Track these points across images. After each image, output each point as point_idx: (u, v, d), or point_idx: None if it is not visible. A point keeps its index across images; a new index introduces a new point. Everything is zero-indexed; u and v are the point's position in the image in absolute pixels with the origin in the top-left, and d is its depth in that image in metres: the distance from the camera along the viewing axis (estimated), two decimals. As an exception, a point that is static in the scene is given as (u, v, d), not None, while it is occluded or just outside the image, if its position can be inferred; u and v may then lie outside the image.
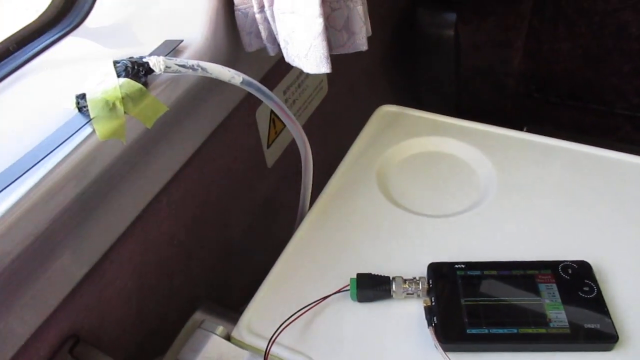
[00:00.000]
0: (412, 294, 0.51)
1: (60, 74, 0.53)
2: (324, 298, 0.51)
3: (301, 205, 0.66)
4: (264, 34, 0.58)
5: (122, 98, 0.44)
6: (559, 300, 0.48)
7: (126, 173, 0.52)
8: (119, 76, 0.45)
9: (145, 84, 0.46)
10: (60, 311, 0.49)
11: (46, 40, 0.56)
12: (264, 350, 0.47)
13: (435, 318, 0.48)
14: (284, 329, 0.48)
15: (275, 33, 0.57)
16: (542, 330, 0.46)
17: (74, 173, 0.43)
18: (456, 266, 0.52)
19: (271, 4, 0.55)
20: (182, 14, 0.57)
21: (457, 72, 1.18)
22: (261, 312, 0.51)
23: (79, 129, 0.44)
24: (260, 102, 0.73)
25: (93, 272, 0.52)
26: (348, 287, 0.51)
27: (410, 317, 0.50)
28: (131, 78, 0.45)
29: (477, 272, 0.51)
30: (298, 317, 0.49)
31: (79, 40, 0.58)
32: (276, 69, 0.73)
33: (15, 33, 0.55)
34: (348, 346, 0.48)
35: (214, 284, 0.75)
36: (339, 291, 0.51)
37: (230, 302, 0.76)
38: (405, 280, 0.51)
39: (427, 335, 0.47)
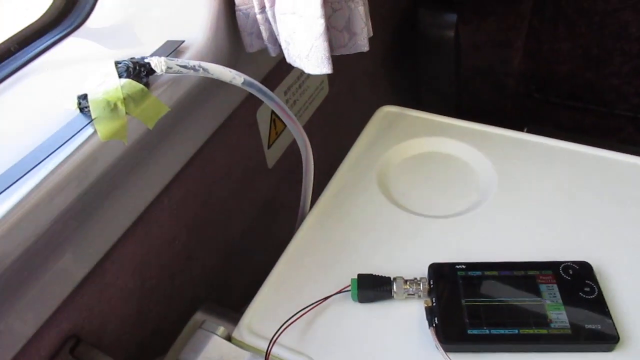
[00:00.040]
0: (413, 294, 0.51)
1: (62, 75, 0.53)
2: (325, 299, 0.51)
3: (302, 206, 0.66)
4: (265, 35, 0.58)
5: (124, 98, 0.44)
6: (560, 300, 0.48)
7: (127, 173, 0.52)
8: (120, 77, 0.45)
9: (146, 85, 0.46)
10: (61, 311, 0.49)
11: (47, 40, 0.56)
12: (265, 350, 0.47)
13: (436, 318, 0.48)
14: (284, 329, 0.48)
15: (276, 34, 0.57)
16: (543, 331, 0.46)
17: (75, 174, 0.43)
18: (457, 267, 0.52)
19: (272, 5, 0.55)
20: (183, 15, 0.57)
21: (458, 72, 1.18)
22: (262, 313, 0.51)
23: (81, 129, 0.44)
24: (261, 102, 0.74)
25: (94, 273, 0.52)
26: (349, 288, 0.51)
27: (411, 318, 0.50)
28: (133, 79, 0.45)
29: (478, 273, 0.51)
30: (299, 317, 0.49)
31: (80, 41, 0.58)
32: (277, 70, 0.73)
33: (17, 33, 0.55)
34: (349, 347, 0.48)
35: (215, 285, 0.75)
36: (339, 292, 0.51)
37: (231, 303, 0.76)
38: (406, 281, 0.51)
39: (428, 335, 0.47)
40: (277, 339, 0.48)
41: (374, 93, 1.15)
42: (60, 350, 0.50)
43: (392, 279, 0.51)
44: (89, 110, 0.44)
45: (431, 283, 0.51)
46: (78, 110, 0.46)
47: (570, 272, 0.51)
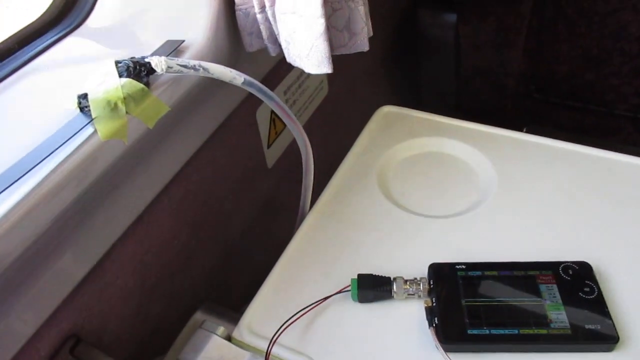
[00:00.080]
0: (413, 294, 0.51)
1: (62, 74, 0.53)
2: (325, 299, 0.51)
3: (302, 206, 0.66)
4: (265, 34, 0.58)
5: (124, 98, 0.44)
6: (560, 301, 0.48)
7: (127, 173, 0.52)
8: (120, 76, 0.45)
9: (147, 84, 0.46)
10: (61, 311, 0.49)
11: (47, 40, 0.56)
12: (265, 350, 0.47)
13: (436, 318, 0.48)
14: (285, 329, 0.49)
15: (276, 33, 0.57)
16: (543, 331, 0.46)
17: (75, 173, 0.43)
18: (457, 267, 0.52)
19: (272, 4, 0.55)
20: (183, 14, 0.57)
21: (457, 72, 1.18)
22: (262, 313, 0.51)
23: (81, 129, 0.44)
24: (261, 102, 0.74)
25: (94, 272, 0.52)
26: (349, 288, 0.51)
27: (411, 318, 0.50)
28: (133, 78, 0.45)
29: (478, 273, 0.51)
30: (299, 317, 0.49)
31: (80, 40, 0.58)
32: (276, 70, 0.73)
33: (17, 33, 0.55)
34: (349, 347, 0.48)
35: (215, 284, 0.75)
36: (339, 292, 0.51)
37: (231, 303, 0.76)
38: (406, 281, 0.51)
39: (428, 335, 0.47)
40: (277, 338, 0.48)
41: (373, 93, 1.15)
42: (60, 349, 0.50)
43: (392, 279, 0.51)
44: (89, 110, 0.44)
45: (431, 283, 0.51)
46: (78, 110, 0.45)
47: (570, 272, 0.51)
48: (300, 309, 0.50)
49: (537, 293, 0.49)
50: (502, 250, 0.54)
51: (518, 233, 0.56)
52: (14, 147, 0.44)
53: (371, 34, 0.58)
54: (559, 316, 0.47)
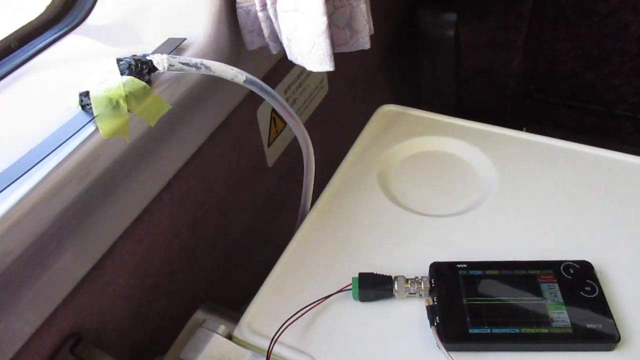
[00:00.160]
0: (414, 293, 0.51)
1: (63, 72, 0.53)
2: (326, 297, 0.51)
3: (302, 204, 0.66)
4: (266, 32, 0.58)
5: (126, 96, 0.44)
6: (561, 300, 0.48)
7: (128, 171, 0.52)
8: (122, 74, 0.45)
9: (148, 82, 0.46)
10: (61, 310, 0.49)
11: (48, 38, 0.56)
12: (266, 349, 0.47)
13: (437, 317, 0.48)
14: (285, 328, 0.48)
15: (277, 31, 0.57)
16: (544, 330, 0.46)
17: (77, 171, 0.43)
18: (458, 266, 0.52)
19: (273, 2, 0.55)
20: (184, 12, 0.56)
21: (457, 72, 1.18)
22: (263, 312, 0.51)
23: (83, 126, 0.44)
24: (261, 101, 0.74)
25: (94, 271, 0.52)
26: (350, 287, 0.51)
27: (412, 317, 0.50)
28: (135, 76, 0.45)
29: (479, 272, 0.51)
30: (300, 316, 0.49)
31: (81, 38, 0.58)
32: (277, 68, 0.73)
33: (17, 30, 0.55)
34: (350, 345, 0.48)
35: (215, 283, 0.75)
36: (340, 290, 0.51)
37: (231, 302, 0.76)
38: (407, 280, 0.51)
39: (429, 334, 0.47)
40: (278, 337, 0.48)
41: (373, 92, 1.15)
42: (60, 348, 0.50)
43: (393, 277, 0.51)
44: (91, 108, 0.44)
45: (432, 282, 0.51)
46: (80, 108, 0.45)
47: (571, 272, 0.51)
48: (301, 307, 0.50)
49: (539, 292, 0.49)
50: (503, 249, 0.54)
51: (519, 232, 0.56)
52: (15, 146, 0.44)
53: (372, 32, 0.58)
54: (560, 315, 0.47)
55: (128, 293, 0.58)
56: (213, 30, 0.55)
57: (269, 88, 0.53)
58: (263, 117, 0.76)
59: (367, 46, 0.58)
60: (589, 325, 0.47)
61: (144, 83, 0.45)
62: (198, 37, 0.54)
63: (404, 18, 1.18)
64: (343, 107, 1.01)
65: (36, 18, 0.57)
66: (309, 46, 0.54)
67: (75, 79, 0.48)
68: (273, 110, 0.78)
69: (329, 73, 0.90)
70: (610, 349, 0.46)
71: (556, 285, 0.50)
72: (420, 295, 0.51)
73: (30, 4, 0.60)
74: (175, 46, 0.52)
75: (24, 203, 0.40)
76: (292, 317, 0.49)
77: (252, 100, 0.70)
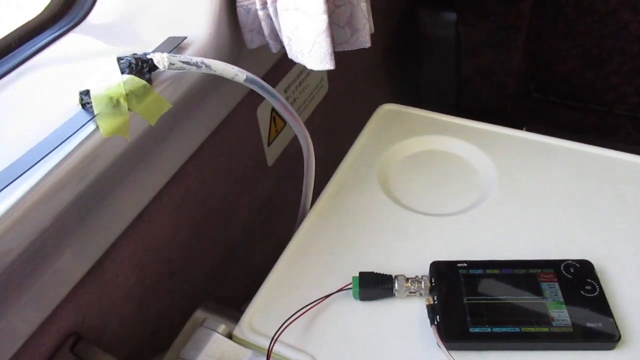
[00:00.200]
0: (414, 292, 0.51)
1: (63, 71, 0.53)
2: (326, 297, 0.51)
3: (303, 204, 0.65)
4: (266, 31, 0.58)
5: (126, 94, 0.44)
6: (561, 299, 0.48)
7: (129, 170, 0.52)
8: (122, 73, 0.45)
9: (149, 81, 0.46)
10: (61, 309, 0.49)
11: (48, 36, 0.56)
12: (267, 348, 0.47)
13: (437, 316, 0.48)
14: (286, 327, 0.48)
15: (277, 30, 0.57)
16: (545, 329, 0.46)
17: (77, 170, 0.43)
18: (458, 265, 0.52)
19: (274, 1, 0.55)
20: (185, 11, 0.56)
21: (457, 71, 1.18)
22: (263, 311, 0.51)
23: (83, 125, 0.44)
24: (261, 100, 0.74)
25: (94, 270, 0.52)
26: (350, 286, 0.51)
27: (412, 316, 0.50)
28: (135, 74, 0.45)
29: (480, 271, 0.51)
30: (300, 315, 0.49)
31: (81, 37, 0.58)
32: (277, 68, 0.73)
33: (17, 29, 0.55)
34: (350, 344, 0.48)
35: (215, 282, 0.75)
36: (341, 290, 0.51)
37: (231, 301, 0.76)
38: (407, 279, 0.51)
39: (429, 333, 0.47)
40: (278, 336, 0.48)
41: (373, 92, 1.15)
42: (60, 347, 0.50)
43: (393, 277, 0.51)
44: (91, 106, 0.44)
45: (432, 281, 0.51)
46: (80, 106, 0.45)
47: (572, 271, 0.51)
48: (301, 306, 0.50)
49: (539, 291, 0.49)
50: (504, 248, 0.54)
51: (519, 231, 0.56)
52: (15, 144, 0.43)
53: (373, 30, 0.58)
54: (560, 314, 0.47)
55: (128, 292, 0.58)
56: (213, 29, 0.55)
57: (269, 87, 0.53)
58: (263, 116, 0.76)
59: (368, 45, 0.58)
60: (589, 325, 0.47)
61: (144, 82, 0.45)
62: (198, 36, 0.54)
63: (404, 17, 1.18)
64: (343, 106, 1.01)
65: (36, 17, 0.57)
66: (310, 45, 0.54)
67: (76, 78, 0.48)
68: (273, 109, 0.78)
69: (329, 72, 0.90)
70: (610, 348, 0.46)
71: (556, 284, 0.50)
72: (421, 294, 0.51)
73: (30, 3, 0.60)
74: (175, 45, 0.52)
75: (24, 202, 0.40)
76: (292, 316, 0.49)
77: (252, 99, 0.70)
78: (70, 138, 0.43)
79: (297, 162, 0.64)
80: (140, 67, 0.46)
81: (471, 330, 0.47)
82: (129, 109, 0.44)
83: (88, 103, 0.44)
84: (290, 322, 0.49)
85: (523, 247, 0.54)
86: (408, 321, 0.49)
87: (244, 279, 0.80)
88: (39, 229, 0.42)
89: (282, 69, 0.77)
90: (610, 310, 0.48)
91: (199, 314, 0.53)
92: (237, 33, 0.59)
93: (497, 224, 0.57)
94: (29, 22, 0.56)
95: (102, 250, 0.52)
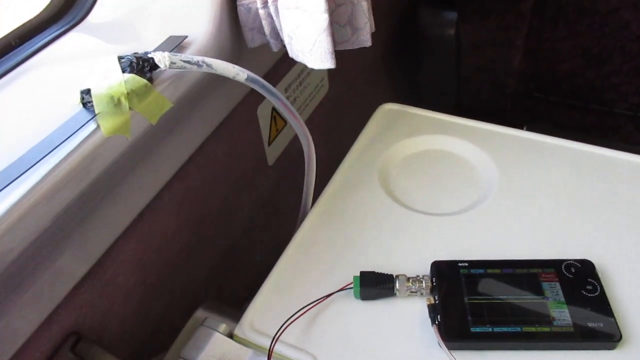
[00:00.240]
0: (415, 292, 0.51)
1: (64, 70, 0.53)
2: (327, 296, 0.51)
3: (303, 203, 0.65)
4: (267, 30, 0.58)
5: (127, 94, 0.44)
6: (562, 298, 0.48)
7: (129, 170, 0.52)
8: (123, 72, 0.45)
9: (150, 80, 0.46)
10: (62, 308, 0.49)
11: (49, 35, 0.55)
12: (267, 348, 0.47)
13: (438, 316, 0.48)
14: (287, 326, 0.48)
15: (278, 28, 0.57)
16: (546, 329, 0.46)
17: (78, 169, 0.43)
18: (459, 264, 0.52)
19: (275, 0, 0.55)
20: (186, 10, 0.56)
21: (458, 70, 1.18)
22: (264, 310, 0.51)
23: (84, 124, 0.44)
24: (262, 99, 0.73)
25: (95, 270, 0.52)
26: (351, 285, 0.51)
27: (413, 316, 0.50)
28: (136, 73, 0.45)
29: (481, 271, 0.51)
30: (301, 315, 0.49)
31: (82, 36, 0.57)
32: (277, 67, 0.73)
33: (18, 28, 0.54)
34: (351, 344, 0.48)
35: (216, 282, 0.75)
36: (342, 289, 0.51)
37: (232, 300, 0.76)
38: (408, 279, 0.51)
39: (430, 333, 0.47)
40: (279, 336, 0.48)
41: (373, 91, 1.15)
42: (61, 346, 0.50)
43: (394, 276, 0.51)
44: (92, 105, 0.44)
45: (433, 281, 0.51)
46: (81, 105, 0.45)
47: (573, 270, 0.51)
48: (302, 306, 0.50)
49: (540, 291, 0.49)
50: (505, 247, 0.54)
51: (520, 231, 0.56)
52: (16, 143, 0.43)
53: (373, 29, 0.58)
54: (561, 314, 0.47)
55: (129, 291, 0.58)
56: (214, 28, 0.54)
57: (270, 86, 0.53)
58: (263, 116, 0.76)
59: (368, 44, 0.58)
60: (590, 324, 0.47)
61: (145, 81, 0.45)
62: (199, 35, 0.54)
63: (404, 17, 1.18)
64: (343, 105, 1.01)
65: (37, 15, 0.57)
66: (311, 43, 0.53)
67: (77, 77, 0.48)
68: (274, 108, 0.78)
69: (329, 71, 0.90)
70: (611, 348, 0.46)
71: (557, 284, 0.50)
72: (422, 294, 0.51)
73: (31, 2, 0.60)
74: (176, 44, 0.52)
75: (25, 201, 0.40)
76: (293, 315, 0.49)
77: (252, 98, 0.70)
78: (71, 137, 0.43)
79: (297, 161, 0.64)
80: (141, 66, 0.45)
81: (472, 330, 0.47)
82: (130, 108, 0.44)
83: (89, 102, 0.44)
84: (291, 322, 0.49)
85: (524, 247, 0.54)
86: (409, 321, 0.49)
87: (245, 279, 0.80)
88: (40, 229, 0.42)
89: (283, 68, 0.77)
90: (611, 310, 0.48)
91: (200, 313, 0.53)
92: (238, 32, 0.59)
93: (498, 223, 0.57)
94: (29, 20, 0.56)
95: (103, 250, 0.52)
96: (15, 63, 0.52)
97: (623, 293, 0.50)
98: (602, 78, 1.12)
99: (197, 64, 0.47)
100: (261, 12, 0.56)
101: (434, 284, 0.50)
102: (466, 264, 0.52)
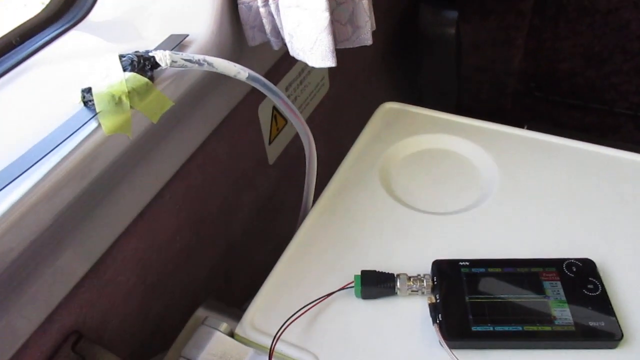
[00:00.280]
0: (416, 291, 0.50)
1: (65, 69, 0.53)
2: (328, 295, 0.51)
3: (304, 202, 0.65)
4: (267, 28, 0.58)
5: (128, 92, 0.44)
6: (564, 298, 0.48)
7: (130, 168, 0.52)
8: (124, 70, 0.45)
9: (151, 79, 0.46)
10: (62, 307, 0.49)
11: (49, 34, 0.55)
12: (269, 347, 0.47)
13: (439, 315, 0.48)
14: (288, 325, 0.48)
15: (279, 27, 0.57)
16: (547, 328, 0.46)
17: (79, 168, 0.43)
18: (460, 263, 0.52)
19: (276, -2, 0.55)
20: (186, 9, 0.56)
21: (458, 70, 1.18)
22: (265, 309, 0.51)
23: (85, 123, 0.44)
24: (262, 98, 0.73)
25: (95, 269, 0.52)
26: (352, 284, 0.51)
27: (414, 315, 0.50)
28: (137, 72, 0.45)
29: (482, 270, 0.51)
30: (302, 314, 0.49)
31: (82, 35, 0.57)
32: (278, 66, 0.73)
33: (18, 26, 0.54)
34: (352, 343, 0.48)
35: (217, 281, 0.75)
36: (343, 288, 0.51)
37: (233, 300, 0.76)
38: (409, 278, 0.51)
39: (431, 332, 0.47)
40: (280, 335, 0.48)
41: (374, 90, 1.15)
42: (62, 345, 0.50)
43: (395, 275, 0.51)
44: (93, 104, 0.44)
45: (435, 280, 0.51)
46: (82, 104, 0.45)
47: (574, 269, 0.51)
48: (303, 305, 0.50)
49: (541, 290, 0.49)
50: (506, 247, 0.54)
51: (521, 230, 0.56)
52: (17, 142, 0.43)
53: (374, 28, 0.58)
54: (562, 313, 0.47)
55: (129, 290, 0.58)
56: (215, 27, 0.54)
57: (271, 85, 0.53)
58: (264, 115, 0.76)
59: (369, 42, 0.58)
60: (591, 323, 0.47)
61: (146, 79, 0.45)
62: (200, 34, 0.54)
63: (405, 16, 1.18)
64: (344, 104, 1.01)
65: (38, 14, 0.56)
66: (312, 42, 0.53)
67: (78, 76, 0.48)
68: (274, 107, 0.78)
69: (330, 70, 0.89)
70: (612, 347, 0.46)
71: (559, 283, 0.50)
72: (423, 293, 0.51)
73: (31, 1, 0.60)
74: (177, 42, 0.51)
75: (26, 200, 0.39)
76: (294, 314, 0.49)
77: (253, 97, 0.70)
78: (72, 136, 0.43)
79: (298, 160, 0.64)
80: (142, 64, 0.45)
81: (473, 329, 0.47)
82: (131, 107, 0.44)
83: (90, 101, 0.44)
84: (292, 321, 0.49)
85: (525, 246, 0.54)
86: (410, 320, 0.49)
87: (245, 278, 0.80)
88: (40, 228, 0.42)
89: (284, 66, 0.77)
90: (612, 309, 0.48)
91: (201, 312, 0.53)
92: (239, 30, 0.59)
93: (499, 222, 0.57)
94: (30, 19, 0.56)
95: (104, 249, 0.52)
96: (16, 62, 0.52)
97: (624, 292, 0.50)
98: (602, 77, 1.12)
99: (198, 62, 0.47)
100: (262, 10, 0.56)
101: (435, 283, 0.50)
102: (467, 263, 0.51)
